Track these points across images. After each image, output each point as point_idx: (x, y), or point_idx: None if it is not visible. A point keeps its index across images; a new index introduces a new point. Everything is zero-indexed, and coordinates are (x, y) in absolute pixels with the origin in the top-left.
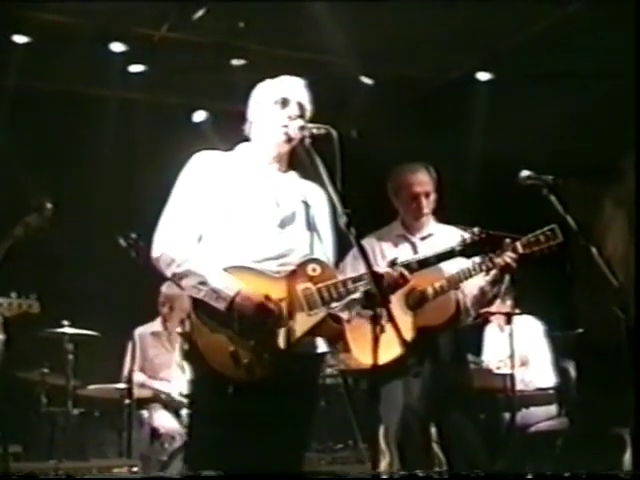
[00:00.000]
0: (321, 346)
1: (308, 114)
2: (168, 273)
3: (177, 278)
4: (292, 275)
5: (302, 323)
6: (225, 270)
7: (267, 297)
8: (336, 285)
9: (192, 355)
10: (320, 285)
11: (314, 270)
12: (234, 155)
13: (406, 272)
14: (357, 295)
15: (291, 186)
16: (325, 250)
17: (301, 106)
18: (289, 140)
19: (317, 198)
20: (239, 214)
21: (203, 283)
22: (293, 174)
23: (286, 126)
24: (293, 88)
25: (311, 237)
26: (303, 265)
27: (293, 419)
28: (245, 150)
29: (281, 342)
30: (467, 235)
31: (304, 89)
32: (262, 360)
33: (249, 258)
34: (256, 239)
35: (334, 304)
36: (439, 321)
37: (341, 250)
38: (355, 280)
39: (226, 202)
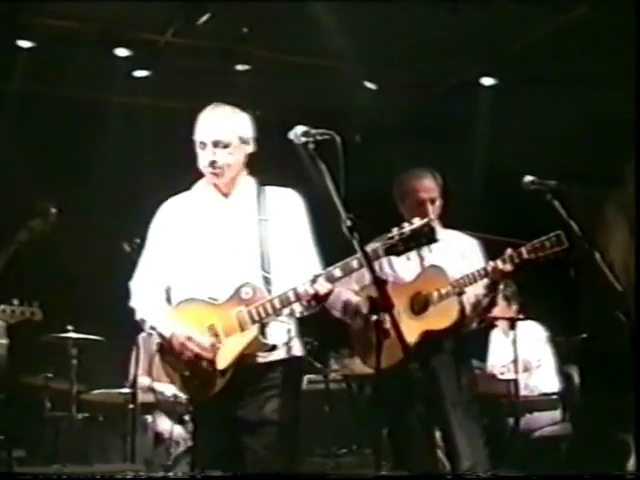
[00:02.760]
0: (273, 355)
1: (232, 141)
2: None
3: (142, 324)
4: (230, 300)
5: (236, 343)
6: (177, 305)
7: (189, 338)
8: (264, 305)
9: None
10: (250, 307)
11: (247, 294)
12: (190, 195)
13: (325, 285)
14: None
15: (244, 209)
16: (292, 258)
17: (217, 144)
18: (217, 175)
19: (284, 207)
20: (196, 251)
21: (153, 328)
22: (252, 192)
23: (209, 164)
24: (208, 127)
25: (262, 256)
26: (238, 290)
27: (249, 427)
28: (199, 187)
29: (219, 363)
30: (396, 233)
31: (222, 118)
32: (205, 382)
33: (204, 290)
34: (208, 270)
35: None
36: (444, 325)
37: (347, 255)
38: (281, 298)
39: (187, 243)
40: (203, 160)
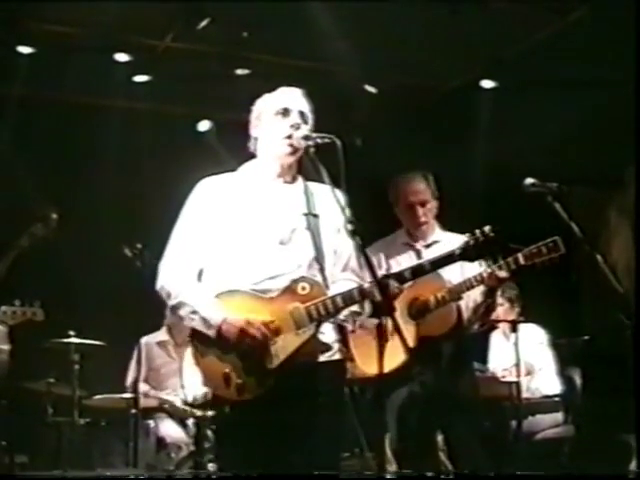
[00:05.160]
0: (324, 356)
1: (310, 122)
2: (168, 305)
3: (174, 309)
4: (283, 295)
5: (290, 342)
6: (219, 296)
7: (248, 322)
8: (324, 303)
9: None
10: (308, 304)
11: (303, 289)
12: (238, 176)
13: (396, 285)
14: (356, 308)
15: (295, 198)
16: (341, 257)
17: (302, 114)
18: (294, 151)
19: (329, 204)
20: (240, 237)
21: (194, 312)
22: (301, 184)
23: (290, 137)
24: (292, 97)
25: (317, 250)
26: (293, 284)
27: (293, 431)
28: (249, 169)
29: (268, 363)
30: (471, 238)
31: (303, 98)
32: (250, 381)
33: (248, 280)
34: (256, 260)
35: (336, 317)
36: (441, 331)
37: None
38: (344, 296)
39: (229, 227)
40: (282, 129)
